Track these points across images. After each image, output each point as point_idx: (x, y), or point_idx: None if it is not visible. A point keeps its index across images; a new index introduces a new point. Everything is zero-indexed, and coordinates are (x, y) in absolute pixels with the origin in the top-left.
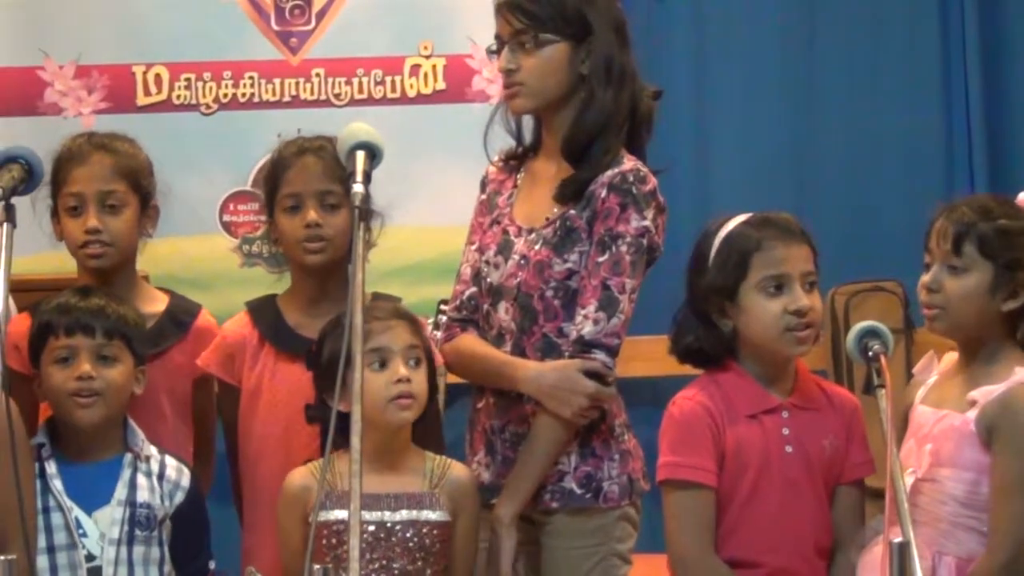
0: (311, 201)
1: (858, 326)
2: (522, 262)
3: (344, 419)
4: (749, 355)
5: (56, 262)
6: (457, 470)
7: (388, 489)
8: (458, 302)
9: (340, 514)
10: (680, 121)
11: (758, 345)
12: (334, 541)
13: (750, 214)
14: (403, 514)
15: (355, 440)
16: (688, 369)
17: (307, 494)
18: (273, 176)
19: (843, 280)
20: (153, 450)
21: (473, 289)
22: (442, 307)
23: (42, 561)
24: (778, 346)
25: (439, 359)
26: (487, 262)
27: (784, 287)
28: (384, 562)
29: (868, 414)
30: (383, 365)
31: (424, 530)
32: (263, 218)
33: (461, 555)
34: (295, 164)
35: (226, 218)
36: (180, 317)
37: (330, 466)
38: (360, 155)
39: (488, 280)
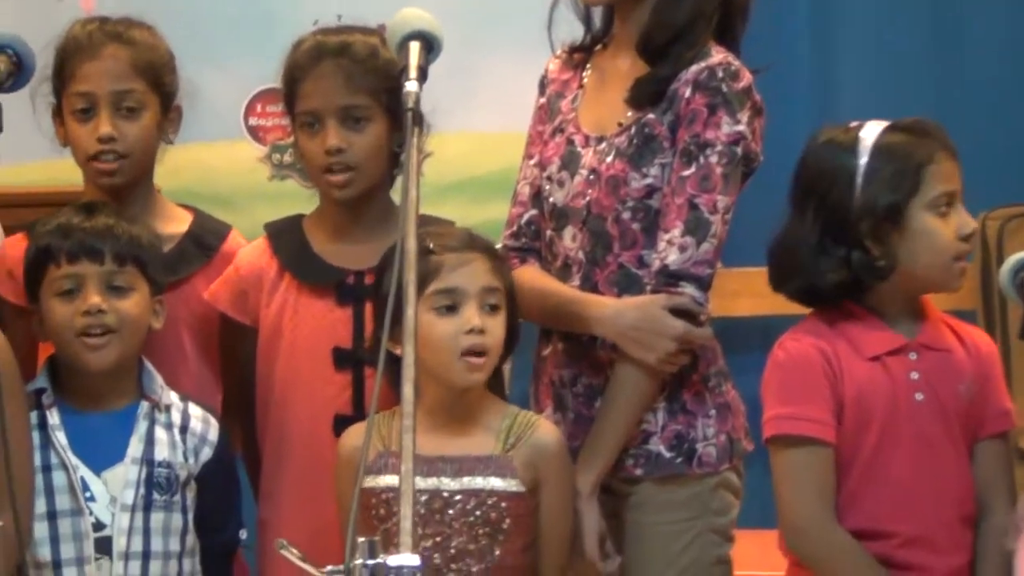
0: (331, 120)
1: (1015, 257)
2: (591, 178)
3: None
4: (887, 289)
5: (58, 171)
6: (543, 430)
7: (449, 451)
8: (515, 228)
9: (390, 480)
10: (795, 8)
11: (919, 277)
12: (383, 512)
13: (886, 121)
14: (463, 481)
15: (407, 388)
16: (800, 308)
17: (360, 454)
18: (288, 86)
19: (994, 204)
20: (174, 397)
21: (533, 212)
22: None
23: (40, 529)
24: (944, 277)
25: None
26: (549, 179)
27: (952, 207)
28: (439, 539)
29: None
30: (452, 309)
31: (489, 502)
32: None
33: (550, 534)
34: (311, 72)
35: (252, 121)
36: (205, 239)
37: (389, 422)
38: (415, 47)
39: (551, 200)
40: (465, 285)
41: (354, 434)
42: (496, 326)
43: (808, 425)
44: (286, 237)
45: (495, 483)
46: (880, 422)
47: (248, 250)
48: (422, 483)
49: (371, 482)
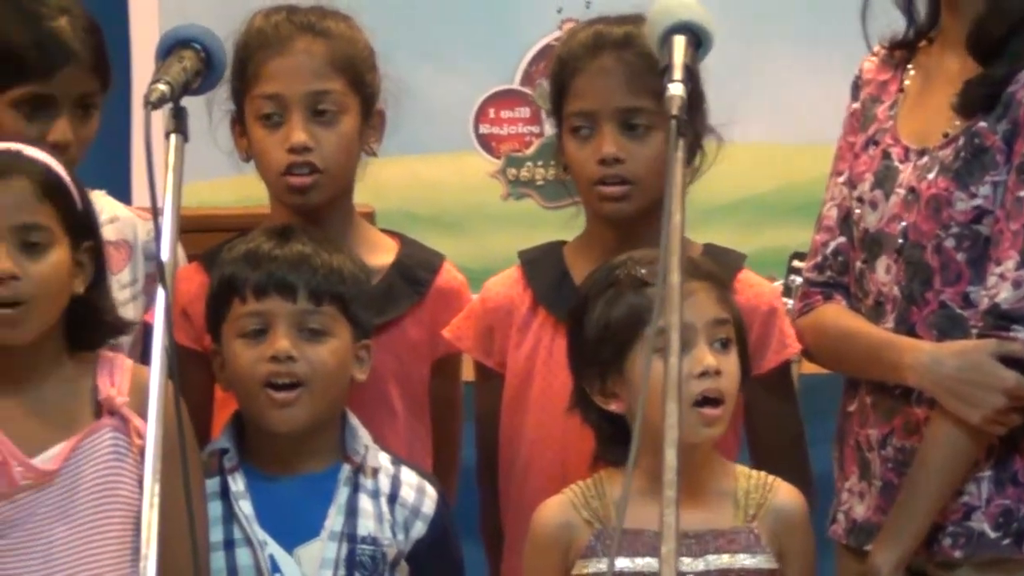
0: (608, 124)
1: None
2: (910, 198)
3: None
4: None
5: (239, 190)
6: (784, 493)
7: (685, 524)
8: (819, 258)
9: (620, 563)
10: None
11: None
12: None
13: None
14: (708, 560)
15: (669, 454)
16: None
17: (568, 534)
18: (558, 81)
19: None
20: (383, 459)
21: (841, 239)
22: (795, 264)
23: None
24: None
25: (793, 344)
26: (860, 199)
27: None
28: None
29: None
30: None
31: None
32: (535, 129)
33: None
34: (587, 68)
35: (484, 130)
36: (415, 272)
37: (598, 491)
38: (679, 41)
39: (862, 226)
40: (691, 320)
41: (556, 510)
42: (731, 366)
43: None
44: (543, 266)
45: (745, 561)
46: None
47: (497, 281)
48: (656, 564)
49: (585, 569)
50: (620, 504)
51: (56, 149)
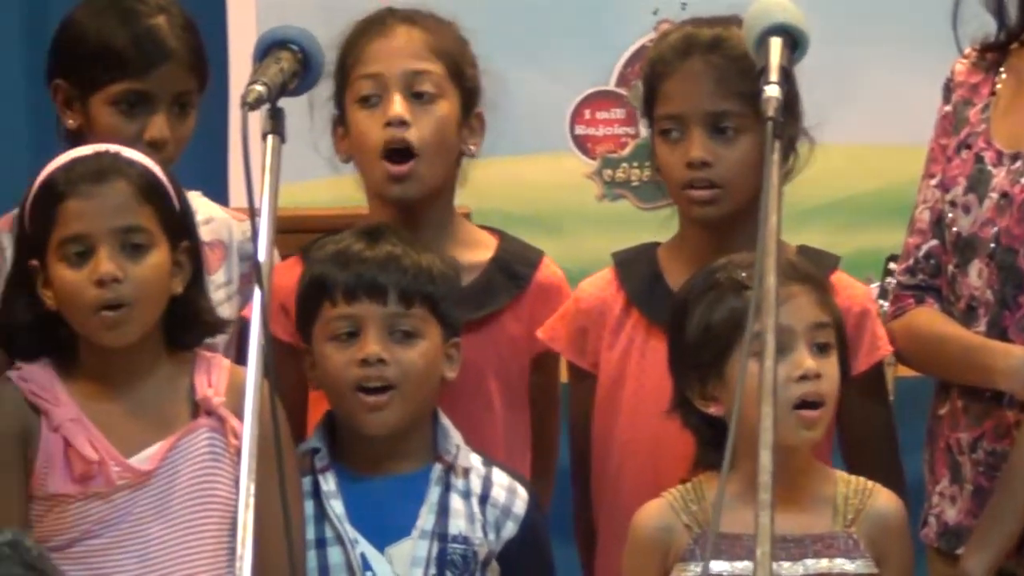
0: (697, 129)
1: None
2: (1003, 202)
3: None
4: None
5: (340, 191)
6: (883, 498)
7: (783, 528)
8: (911, 261)
9: (719, 566)
10: None
11: None
12: None
13: None
14: (807, 564)
15: (764, 456)
16: None
17: (667, 537)
18: (649, 84)
19: None
20: (475, 460)
21: (934, 242)
22: (892, 266)
23: None
24: None
25: (885, 346)
26: (952, 203)
27: None
28: None
29: None
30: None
31: None
32: (631, 130)
33: None
34: (676, 71)
35: (580, 130)
36: (515, 268)
37: (697, 494)
38: (776, 43)
39: (954, 230)
40: (791, 323)
41: (655, 512)
42: (831, 369)
43: None
44: (636, 267)
45: (844, 565)
46: None
47: (591, 282)
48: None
49: (683, 572)
50: (715, 507)
51: (152, 147)
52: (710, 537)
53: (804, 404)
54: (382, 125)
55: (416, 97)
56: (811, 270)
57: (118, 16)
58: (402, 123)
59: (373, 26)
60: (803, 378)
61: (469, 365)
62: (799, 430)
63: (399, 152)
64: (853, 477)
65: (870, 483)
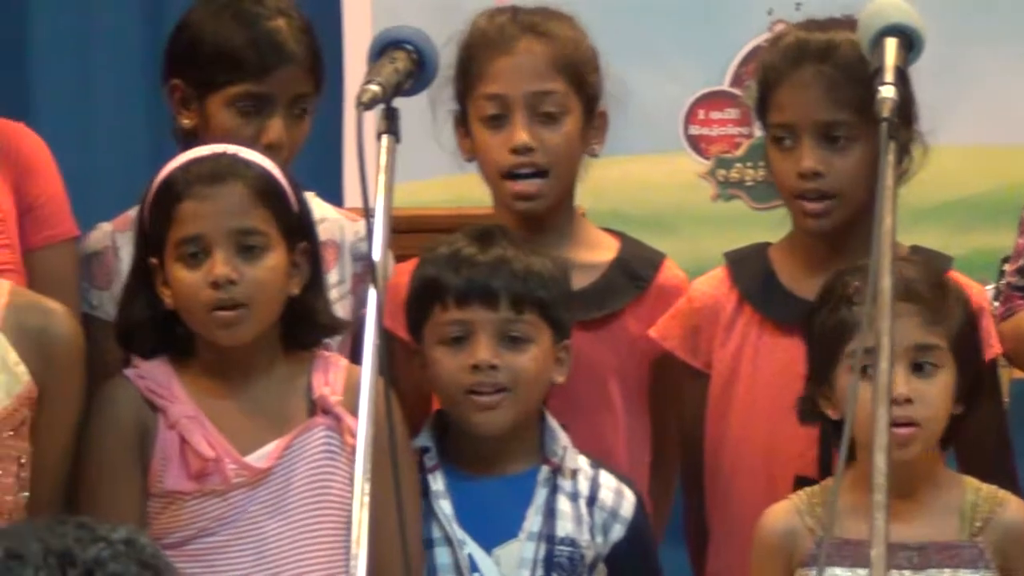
0: (808, 138)
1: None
2: None
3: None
4: None
5: (462, 189)
6: (1013, 509)
7: (905, 535)
8: (1022, 262)
9: (842, 573)
10: None
11: None
12: None
13: None
14: (930, 574)
15: (879, 458)
16: None
17: (792, 541)
18: (761, 90)
19: None
20: (582, 462)
21: None
22: (1005, 267)
23: None
24: None
25: (997, 345)
26: None
27: None
28: None
29: None
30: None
31: None
32: (745, 130)
33: None
34: (787, 80)
35: (694, 131)
36: (636, 269)
37: (823, 498)
38: (891, 44)
39: None
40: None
41: (781, 516)
42: (930, 391)
43: None
44: (749, 266)
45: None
46: None
47: (704, 280)
48: None
49: None
50: (827, 512)
51: (269, 150)
52: (823, 543)
53: (895, 423)
54: (507, 150)
55: (541, 115)
56: (924, 290)
57: (238, 18)
58: (528, 149)
59: (496, 40)
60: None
61: (589, 364)
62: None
63: (524, 165)
64: (984, 485)
65: (1001, 492)
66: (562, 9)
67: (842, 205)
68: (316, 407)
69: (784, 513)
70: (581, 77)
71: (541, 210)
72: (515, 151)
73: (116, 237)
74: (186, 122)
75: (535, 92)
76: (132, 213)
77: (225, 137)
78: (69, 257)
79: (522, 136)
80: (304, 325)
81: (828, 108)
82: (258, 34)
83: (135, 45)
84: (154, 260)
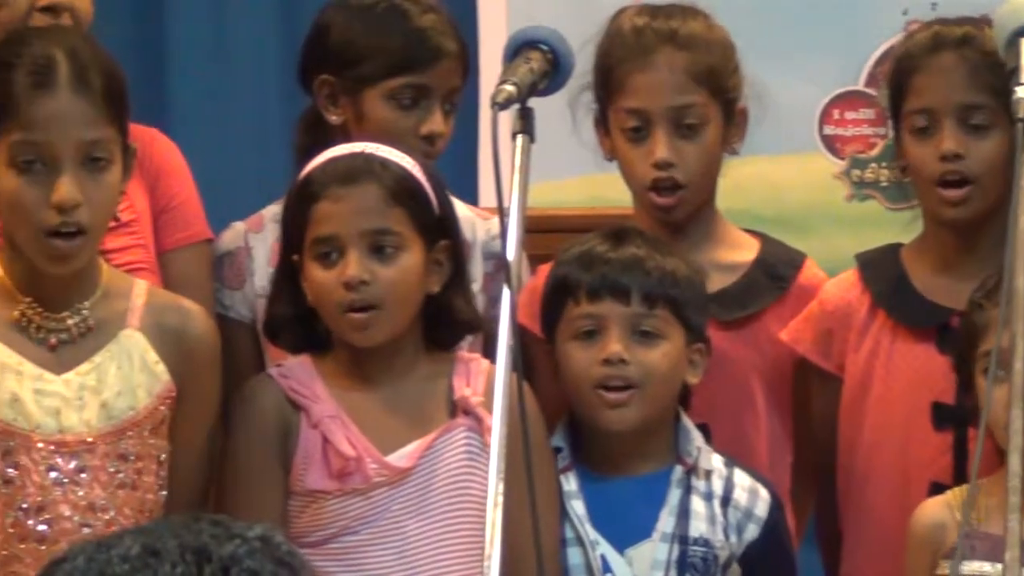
0: (949, 121)
1: None
2: None
3: None
4: None
5: (602, 188)
6: None
7: None
8: None
9: (981, 567)
10: None
11: None
12: None
13: None
14: None
15: (1014, 459)
16: None
17: (940, 535)
18: (896, 80)
19: None
20: (716, 461)
21: None
22: None
23: None
24: None
25: None
26: None
27: None
28: None
29: None
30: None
31: None
32: (880, 130)
33: None
34: (927, 66)
35: (828, 130)
36: (778, 269)
37: (976, 496)
38: None
39: None
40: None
41: (932, 509)
42: None
43: None
44: (880, 268)
45: None
46: None
47: (835, 283)
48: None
49: (946, 569)
50: (965, 508)
51: (428, 141)
52: (960, 537)
53: None
54: (649, 163)
55: (682, 128)
56: None
57: (391, 13)
58: (668, 164)
59: (635, 51)
60: None
61: (731, 364)
62: None
63: (665, 180)
64: None
65: None
66: (697, 4)
67: (980, 192)
68: (457, 408)
69: (936, 507)
70: (720, 83)
71: (680, 219)
72: (656, 166)
73: (249, 237)
74: (334, 118)
75: (676, 107)
76: (265, 213)
77: (382, 131)
78: (202, 259)
79: (663, 152)
80: (444, 323)
81: (969, 91)
82: (416, 28)
83: (270, 51)
84: (296, 257)
